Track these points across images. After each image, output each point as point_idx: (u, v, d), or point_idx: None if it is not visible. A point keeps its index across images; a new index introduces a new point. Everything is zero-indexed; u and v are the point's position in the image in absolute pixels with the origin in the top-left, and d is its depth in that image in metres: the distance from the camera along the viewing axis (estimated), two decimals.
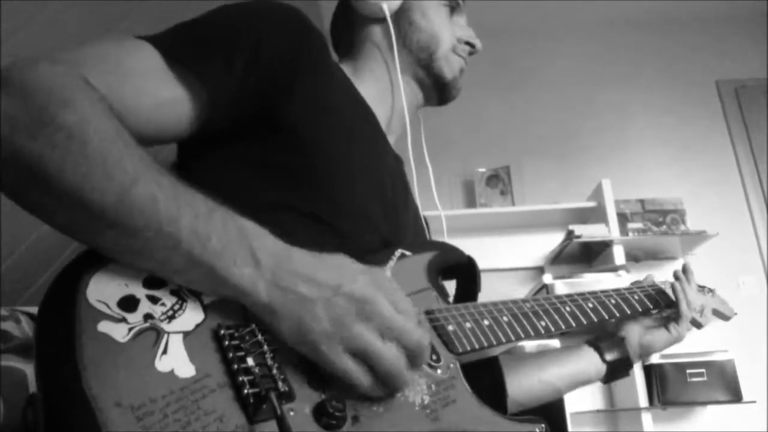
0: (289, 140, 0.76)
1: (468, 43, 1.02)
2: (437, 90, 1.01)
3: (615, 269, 2.65)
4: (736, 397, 2.51)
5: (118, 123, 0.58)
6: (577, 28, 3.52)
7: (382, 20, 0.98)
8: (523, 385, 0.99)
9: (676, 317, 1.03)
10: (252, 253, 0.57)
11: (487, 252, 2.97)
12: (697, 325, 1.08)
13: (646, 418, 2.49)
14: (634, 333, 1.04)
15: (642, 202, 2.94)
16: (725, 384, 2.52)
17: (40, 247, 2.06)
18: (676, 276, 1.07)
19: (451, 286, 0.88)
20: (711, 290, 1.16)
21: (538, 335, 0.83)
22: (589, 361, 1.02)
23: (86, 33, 1.91)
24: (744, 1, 3.36)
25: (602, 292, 0.98)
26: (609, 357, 1.02)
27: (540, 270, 3.05)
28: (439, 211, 1.11)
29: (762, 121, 3.25)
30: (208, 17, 0.75)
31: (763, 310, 2.87)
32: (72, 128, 0.54)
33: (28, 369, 1.07)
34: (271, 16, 0.76)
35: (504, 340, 0.77)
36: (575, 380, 1.02)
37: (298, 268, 0.58)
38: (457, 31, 1.01)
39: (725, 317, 1.15)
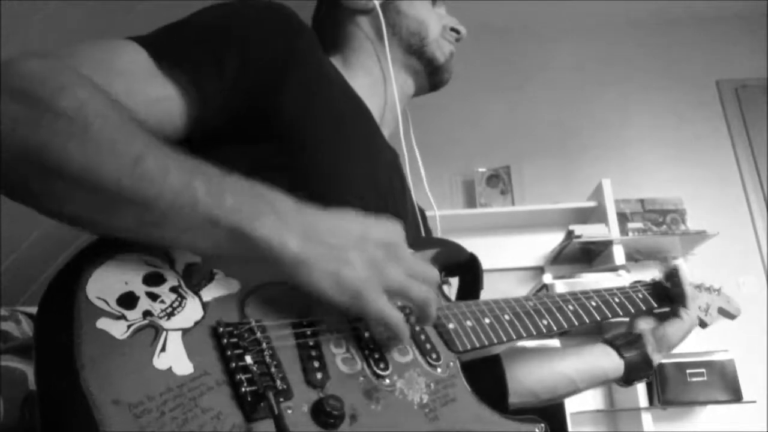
0: (283, 139, 0.76)
1: (454, 30, 1.03)
2: (430, 75, 1.01)
3: (615, 269, 2.65)
4: (736, 396, 2.51)
5: (116, 102, 0.58)
6: (577, 28, 3.52)
7: (369, 11, 0.98)
8: (538, 375, 0.97)
9: (682, 300, 1.01)
10: (273, 207, 0.57)
11: (487, 252, 2.95)
12: (702, 324, 1.05)
13: (646, 418, 2.49)
14: (647, 328, 1.01)
15: (642, 201, 2.94)
16: (725, 384, 2.52)
17: (40, 247, 2.06)
18: (667, 266, 1.05)
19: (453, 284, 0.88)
20: (716, 289, 1.14)
21: (540, 334, 0.82)
22: (606, 356, 0.99)
23: (86, 33, 1.91)
24: (744, 1, 3.35)
25: (606, 290, 0.96)
26: (627, 354, 0.98)
27: (540, 270, 3.05)
28: (434, 209, 1.10)
29: (762, 121, 3.25)
30: (198, 16, 0.75)
31: (763, 310, 2.87)
32: (72, 112, 0.53)
33: (29, 369, 1.07)
34: (260, 13, 0.76)
35: (505, 339, 0.77)
36: (591, 374, 0.98)
37: (320, 221, 0.59)
38: (442, 19, 1.02)
39: (731, 315, 1.12)
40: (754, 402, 2.58)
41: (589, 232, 2.77)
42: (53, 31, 1.83)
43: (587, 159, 3.26)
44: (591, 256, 3.01)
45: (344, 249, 0.58)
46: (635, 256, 2.92)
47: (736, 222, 3.07)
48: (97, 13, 1.94)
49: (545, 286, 2.61)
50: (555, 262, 3.02)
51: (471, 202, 3.22)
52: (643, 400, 2.51)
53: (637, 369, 0.99)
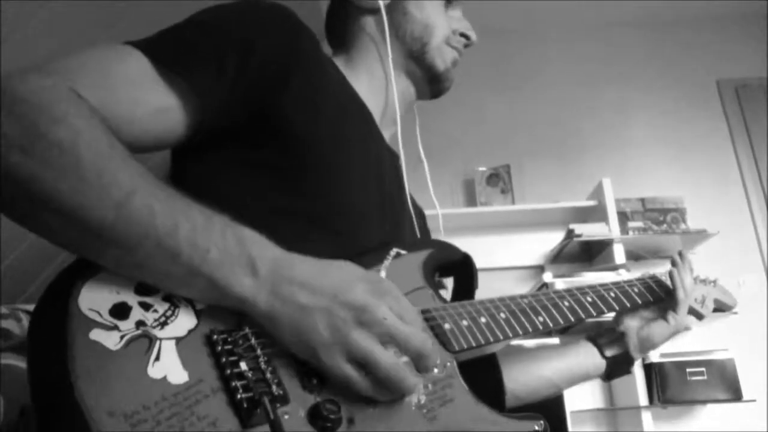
0: (283, 141, 0.76)
1: (463, 35, 1.01)
2: (429, 82, 1.00)
3: (615, 268, 2.65)
4: (736, 395, 2.51)
5: (111, 136, 0.58)
6: (577, 28, 3.52)
7: (376, 11, 0.97)
8: (520, 378, 0.98)
9: (673, 305, 1.01)
10: (251, 263, 0.57)
11: (487, 251, 2.97)
12: (698, 315, 1.05)
13: (646, 417, 2.49)
14: (633, 327, 1.02)
15: (642, 200, 2.94)
16: (725, 383, 2.52)
17: (40, 245, 2.06)
18: (673, 262, 1.05)
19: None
20: (712, 281, 1.14)
21: (536, 331, 0.82)
22: (587, 355, 1.00)
23: (86, 33, 1.91)
24: (744, 1, 3.35)
25: (601, 285, 0.96)
26: (608, 352, 1.00)
27: (540, 269, 3.05)
28: (437, 209, 1.10)
29: (762, 120, 3.25)
30: (197, 20, 0.74)
31: (763, 310, 2.87)
32: (64, 144, 0.53)
33: None
34: (260, 16, 0.76)
35: (501, 337, 0.77)
36: (572, 375, 1.00)
37: (296, 275, 0.59)
38: (453, 23, 1.00)
39: (727, 307, 1.12)
40: (754, 401, 2.58)
41: (589, 231, 2.76)
42: (53, 32, 1.83)
43: (587, 158, 3.26)
44: (591, 254, 3.01)
45: (311, 310, 0.57)
46: (641, 255, 2.92)
47: (736, 221, 3.07)
48: (97, 13, 1.94)
49: (545, 285, 2.60)
50: (555, 261, 3.02)
51: (471, 201, 3.22)
52: (643, 399, 2.51)
53: (618, 367, 1.01)
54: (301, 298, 0.58)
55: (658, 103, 3.35)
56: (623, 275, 2.55)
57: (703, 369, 2.53)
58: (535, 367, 1.00)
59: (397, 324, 0.59)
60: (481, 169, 3.21)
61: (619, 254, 2.76)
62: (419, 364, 0.61)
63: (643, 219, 2.89)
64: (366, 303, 0.58)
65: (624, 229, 2.82)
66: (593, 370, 1.00)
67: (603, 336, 1.02)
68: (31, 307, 1.36)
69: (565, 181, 3.20)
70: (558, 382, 1.00)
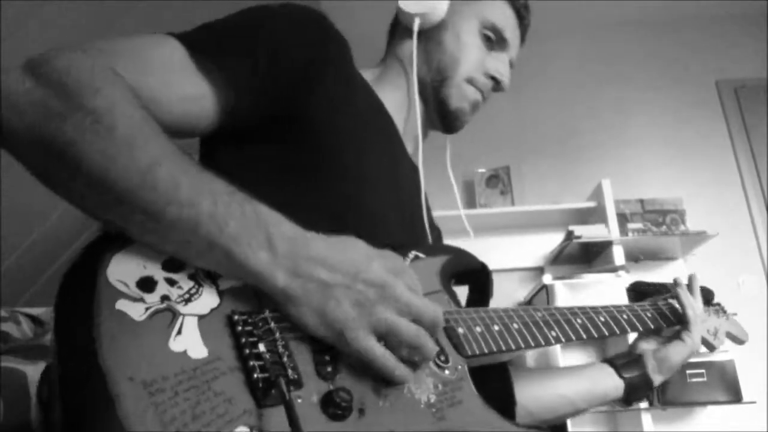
0: (307, 142, 0.78)
1: (493, 78, 0.99)
2: (439, 116, 1.00)
3: (615, 269, 2.65)
4: (736, 397, 2.51)
5: (144, 110, 0.60)
6: (577, 29, 3.52)
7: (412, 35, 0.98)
8: (535, 394, 0.97)
9: (684, 324, 1.02)
10: (268, 239, 0.58)
11: (487, 252, 2.94)
12: (710, 347, 1.06)
13: (646, 419, 2.49)
14: (649, 349, 1.02)
15: (642, 202, 2.94)
16: (725, 384, 2.52)
17: (40, 248, 2.06)
18: (675, 282, 1.05)
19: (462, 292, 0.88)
20: (725, 312, 1.15)
21: (548, 345, 0.83)
22: (605, 376, 1.00)
23: (85, 32, 1.91)
24: (744, 1, 3.36)
25: (615, 307, 0.97)
26: (627, 374, 0.99)
27: (540, 270, 3.05)
28: (444, 211, 1.09)
29: (762, 121, 3.25)
30: (234, 17, 0.77)
31: (763, 310, 2.87)
32: (100, 113, 0.56)
33: (28, 370, 1.07)
34: (294, 18, 0.78)
35: (513, 347, 0.77)
36: (591, 395, 0.99)
37: (314, 253, 0.60)
38: (490, 64, 0.99)
39: (739, 341, 1.15)
40: (754, 402, 2.58)
41: (588, 232, 2.76)
42: (53, 31, 1.83)
43: (587, 159, 3.26)
44: (591, 256, 3.01)
45: (332, 286, 0.59)
46: (639, 257, 2.92)
47: (735, 222, 3.08)
48: (97, 13, 1.94)
49: (545, 287, 2.61)
50: (555, 263, 3.02)
51: (471, 202, 3.22)
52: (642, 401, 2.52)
53: (637, 389, 1.00)
54: (321, 275, 0.59)
55: (658, 103, 3.36)
56: (623, 277, 2.55)
57: (703, 371, 2.53)
58: (552, 384, 1.00)
59: (412, 297, 0.61)
60: (480, 170, 3.21)
61: (618, 256, 2.76)
62: (433, 332, 0.63)
63: (642, 220, 2.90)
64: (385, 280, 0.60)
65: (623, 231, 2.83)
66: (612, 391, 0.99)
67: (620, 358, 1.02)
68: (31, 311, 1.36)
69: (565, 183, 3.20)
70: (576, 401, 0.99)
